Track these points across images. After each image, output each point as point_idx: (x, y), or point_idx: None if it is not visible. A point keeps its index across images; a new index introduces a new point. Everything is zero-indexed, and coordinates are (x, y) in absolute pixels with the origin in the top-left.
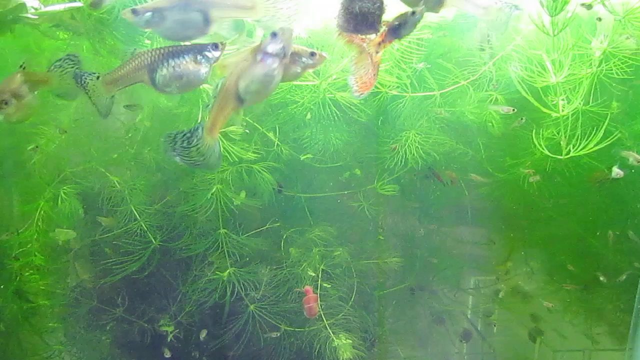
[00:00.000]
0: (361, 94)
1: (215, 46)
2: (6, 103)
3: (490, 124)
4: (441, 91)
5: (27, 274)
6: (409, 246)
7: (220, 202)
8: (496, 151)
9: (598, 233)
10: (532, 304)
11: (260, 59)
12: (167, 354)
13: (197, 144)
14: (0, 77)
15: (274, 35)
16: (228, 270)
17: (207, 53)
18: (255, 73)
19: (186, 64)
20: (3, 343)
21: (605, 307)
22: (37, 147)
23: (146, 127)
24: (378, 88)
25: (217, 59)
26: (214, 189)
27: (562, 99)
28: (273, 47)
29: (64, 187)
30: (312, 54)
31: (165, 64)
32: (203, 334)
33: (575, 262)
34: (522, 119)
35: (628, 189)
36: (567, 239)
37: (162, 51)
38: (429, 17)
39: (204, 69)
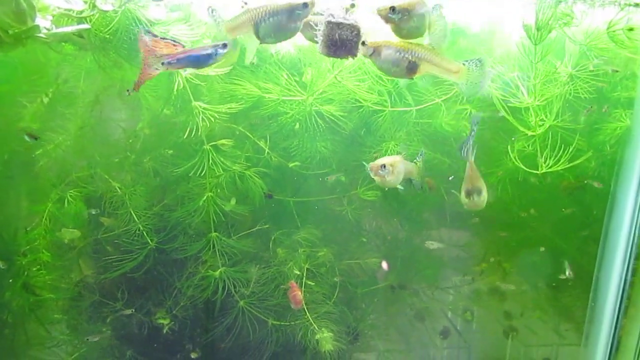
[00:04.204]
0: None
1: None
2: None
3: (464, 134)
4: (418, 107)
5: (34, 269)
6: (390, 247)
7: (213, 206)
8: None
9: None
10: (506, 302)
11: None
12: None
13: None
14: (11, 82)
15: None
16: (219, 270)
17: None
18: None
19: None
20: (11, 333)
21: (573, 305)
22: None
23: (146, 135)
24: (360, 102)
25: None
26: (205, 196)
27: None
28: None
29: (70, 191)
30: None
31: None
32: None
33: (546, 263)
34: (591, 107)
35: (592, 196)
36: (538, 242)
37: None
38: None
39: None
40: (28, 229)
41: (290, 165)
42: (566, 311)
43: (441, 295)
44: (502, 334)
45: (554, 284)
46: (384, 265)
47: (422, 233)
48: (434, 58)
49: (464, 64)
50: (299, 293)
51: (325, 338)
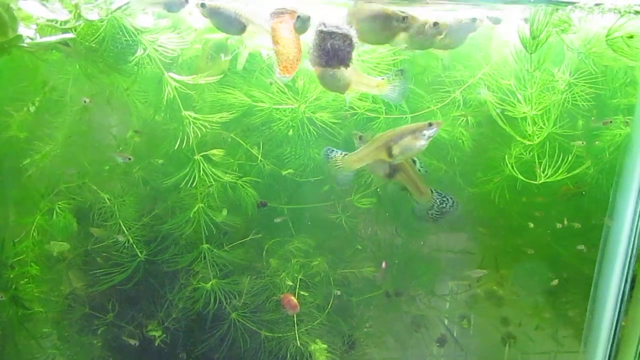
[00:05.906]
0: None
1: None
2: None
3: (460, 140)
4: (413, 114)
5: (22, 282)
6: (386, 254)
7: (204, 217)
8: (468, 167)
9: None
10: (503, 309)
11: (418, 137)
12: None
13: (335, 161)
14: None
15: (430, 125)
16: (211, 282)
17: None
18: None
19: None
20: (0, 347)
21: (572, 312)
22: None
23: (136, 142)
24: (354, 109)
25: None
26: (196, 207)
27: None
28: (429, 133)
29: (59, 202)
30: None
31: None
32: None
33: (544, 269)
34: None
35: (590, 203)
36: (536, 248)
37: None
38: None
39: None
40: (16, 241)
41: (284, 172)
42: (565, 318)
43: (438, 302)
44: (499, 341)
45: (552, 290)
46: (382, 265)
47: (418, 239)
48: (354, 76)
49: (383, 79)
50: (292, 297)
51: (320, 350)
